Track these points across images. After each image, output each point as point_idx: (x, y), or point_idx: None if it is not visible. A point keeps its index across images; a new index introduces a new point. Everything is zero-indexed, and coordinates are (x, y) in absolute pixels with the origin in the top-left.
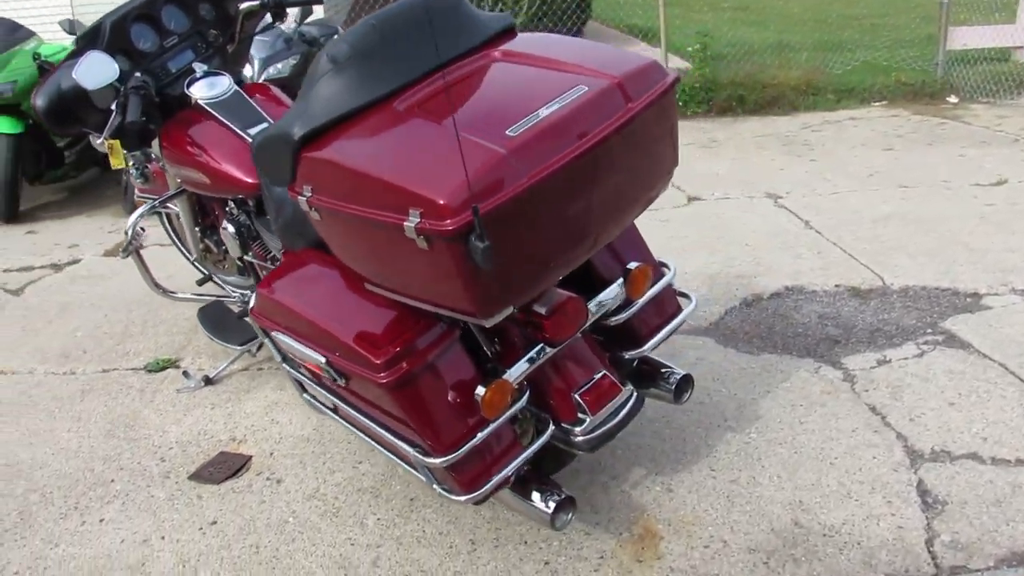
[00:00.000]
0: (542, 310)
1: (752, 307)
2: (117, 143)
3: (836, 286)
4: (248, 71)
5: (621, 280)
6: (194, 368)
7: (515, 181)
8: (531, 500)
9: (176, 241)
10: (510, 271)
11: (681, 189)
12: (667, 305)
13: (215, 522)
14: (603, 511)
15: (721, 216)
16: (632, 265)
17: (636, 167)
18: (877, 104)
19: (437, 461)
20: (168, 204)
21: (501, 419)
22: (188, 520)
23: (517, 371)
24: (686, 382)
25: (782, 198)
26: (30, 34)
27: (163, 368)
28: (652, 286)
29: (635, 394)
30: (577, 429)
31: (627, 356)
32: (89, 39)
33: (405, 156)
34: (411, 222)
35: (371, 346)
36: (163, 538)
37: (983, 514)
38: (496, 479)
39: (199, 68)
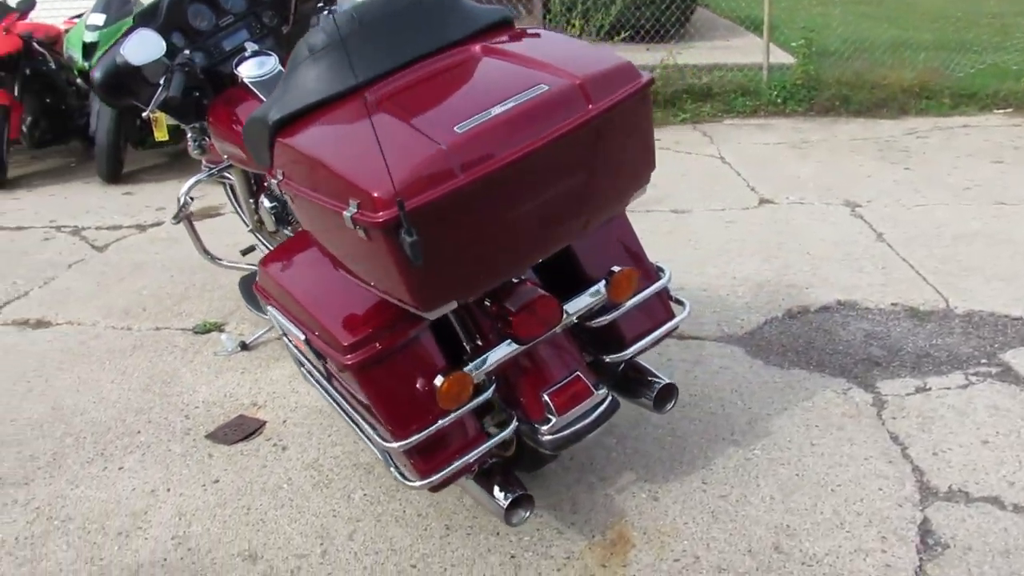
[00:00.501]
0: (512, 306)
1: (795, 319)
2: (162, 116)
3: (893, 305)
4: None
5: (604, 282)
6: (235, 333)
7: (451, 178)
8: (491, 492)
9: (237, 211)
10: (449, 266)
11: (755, 191)
12: (657, 311)
13: (217, 481)
14: (582, 511)
15: (790, 222)
16: (616, 268)
17: (599, 170)
18: (999, 112)
19: (394, 445)
20: (224, 175)
21: (460, 410)
22: (194, 476)
23: (480, 365)
24: (668, 392)
25: (861, 207)
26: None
27: (208, 331)
28: (640, 291)
29: (609, 399)
30: (543, 428)
31: (607, 360)
32: (147, 16)
33: (358, 147)
34: (349, 212)
35: (342, 328)
36: (168, 490)
37: (986, 563)
38: (451, 468)
39: (250, 47)
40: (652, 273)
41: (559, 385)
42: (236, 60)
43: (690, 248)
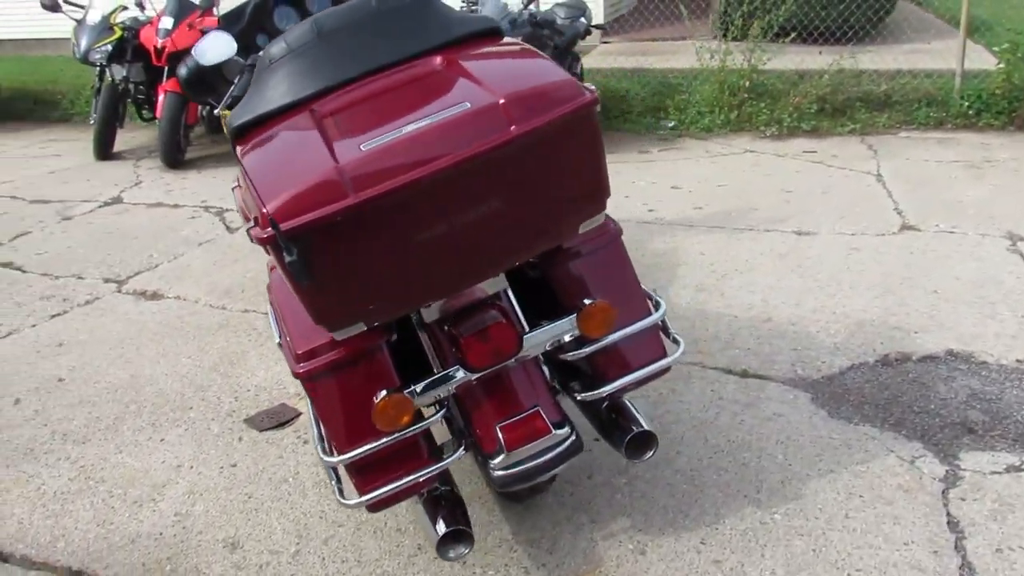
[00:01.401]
0: (464, 331)
1: (889, 367)
2: (228, 114)
3: (1018, 362)
4: None
5: (573, 316)
6: None
7: (340, 198)
8: (433, 521)
9: None
10: (348, 287)
11: (900, 214)
12: (645, 348)
13: (235, 465)
14: (559, 552)
15: (928, 253)
16: (587, 301)
17: (526, 196)
18: None
19: (332, 460)
20: None
21: (400, 432)
22: (217, 457)
23: (425, 389)
24: (643, 440)
25: None
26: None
27: None
28: (623, 327)
29: (570, 440)
30: (492, 462)
31: (579, 397)
32: (231, 18)
33: (276, 162)
34: (248, 226)
35: (299, 337)
36: (191, 468)
37: None
38: (386, 489)
39: None
40: (641, 307)
41: (515, 419)
42: None
43: (797, 275)
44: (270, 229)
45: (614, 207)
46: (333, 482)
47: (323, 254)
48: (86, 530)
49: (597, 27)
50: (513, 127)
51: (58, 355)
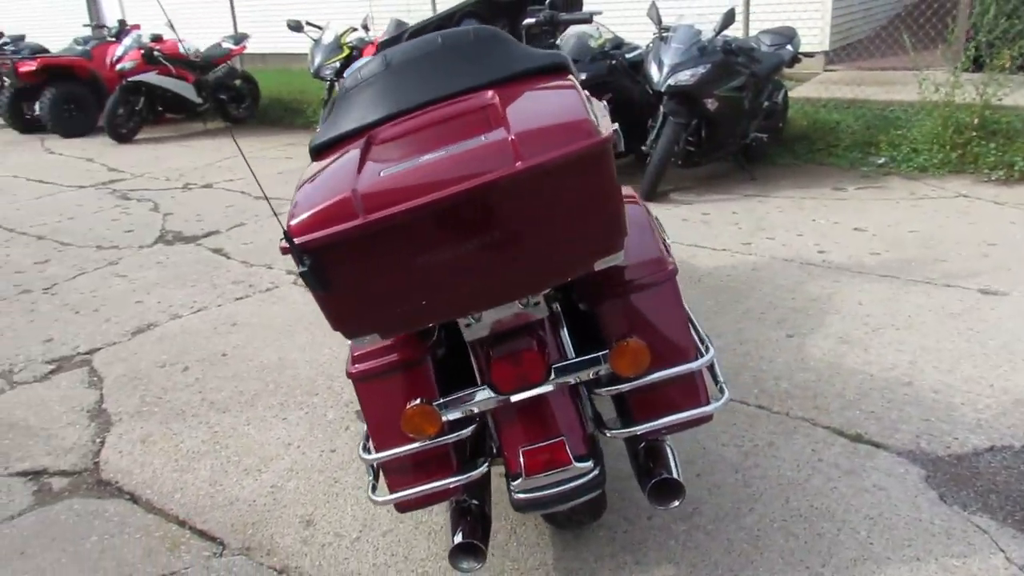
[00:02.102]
0: (495, 353)
1: None
2: None
3: None
4: (655, 74)
5: (606, 352)
6: None
7: (351, 219)
8: (453, 529)
9: None
10: (360, 300)
11: None
12: (682, 393)
13: (335, 450)
14: None
15: None
16: (624, 339)
17: (533, 229)
18: None
19: (368, 457)
20: None
21: (430, 441)
22: (322, 441)
23: (449, 403)
24: (666, 488)
25: None
26: None
27: None
28: (662, 368)
29: (593, 475)
30: (513, 484)
31: (608, 434)
32: (389, 44)
33: (317, 182)
34: (280, 241)
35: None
36: (298, 447)
37: None
38: (411, 492)
39: None
40: (685, 351)
41: (539, 445)
42: None
43: (963, 339)
44: (282, 244)
45: (781, 244)
46: (369, 478)
47: (334, 268)
48: (199, 487)
49: (805, 55)
50: (519, 163)
51: (229, 333)
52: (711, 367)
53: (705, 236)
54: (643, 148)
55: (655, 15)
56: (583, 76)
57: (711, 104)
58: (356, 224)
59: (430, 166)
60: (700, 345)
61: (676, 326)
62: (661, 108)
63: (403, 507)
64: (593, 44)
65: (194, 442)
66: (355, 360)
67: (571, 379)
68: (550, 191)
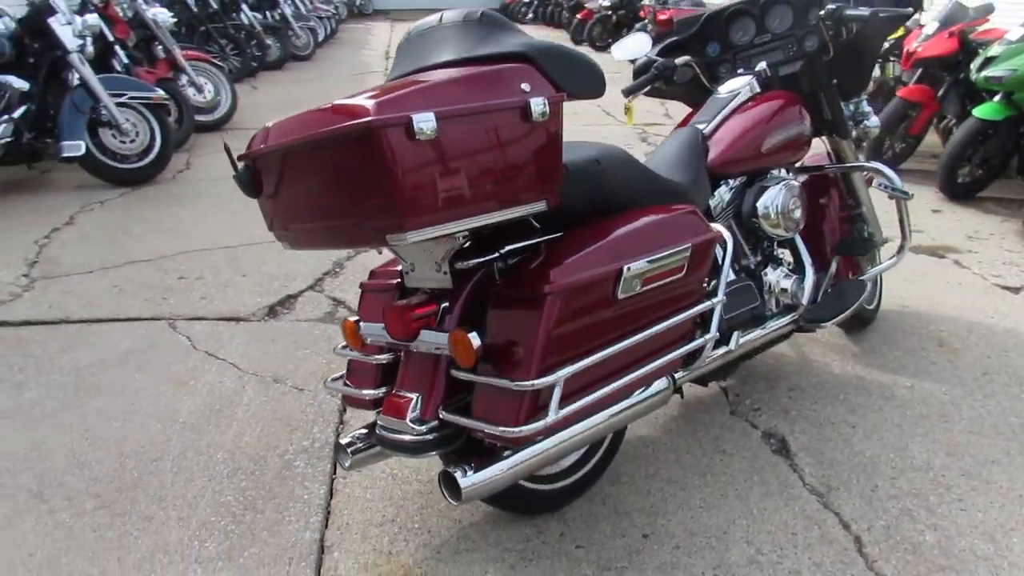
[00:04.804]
0: (392, 303)
1: None
2: (632, 105)
3: None
4: None
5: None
6: None
7: (254, 146)
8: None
9: None
10: (265, 211)
11: None
12: (500, 408)
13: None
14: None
15: None
16: (461, 327)
17: (333, 190)
18: None
19: (339, 350)
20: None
21: (359, 355)
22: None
23: (366, 327)
24: (445, 481)
25: None
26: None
27: None
28: (492, 375)
29: (421, 439)
30: (377, 417)
31: (440, 414)
32: (684, 24)
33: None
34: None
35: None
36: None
37: None
38: (343, 388)
39: (759, 64)
40: (526, 370)
41: (397, 393)
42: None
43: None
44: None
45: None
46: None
47: (254, 180)
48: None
49: None
50: (320, 129)
51: None
52: (549, 392)
53: None
54: None
55: None
56: None
57: None
58: (248, 152)
59: (297, 118)
60: (549, 370)
61: (527, 343)
62: None
63: (346, 401)
64: None
65: None
66: (369, 275)
67: (425, 348)
68: (339, 160)
